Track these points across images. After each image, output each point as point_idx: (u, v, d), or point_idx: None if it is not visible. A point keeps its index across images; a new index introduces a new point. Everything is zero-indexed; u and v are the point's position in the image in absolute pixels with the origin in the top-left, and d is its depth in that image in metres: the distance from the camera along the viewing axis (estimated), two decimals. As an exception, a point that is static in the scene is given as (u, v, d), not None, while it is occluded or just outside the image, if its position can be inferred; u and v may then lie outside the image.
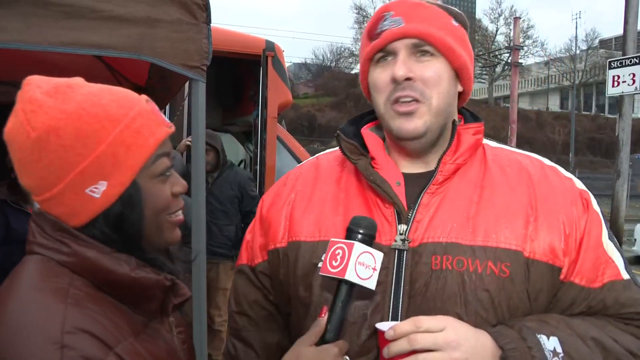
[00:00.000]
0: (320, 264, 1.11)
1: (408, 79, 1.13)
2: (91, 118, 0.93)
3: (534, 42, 45.47)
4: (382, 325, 1.02)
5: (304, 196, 1.25)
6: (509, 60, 26.01)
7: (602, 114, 49.78)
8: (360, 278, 1.01)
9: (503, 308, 1.08)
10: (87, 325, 0.86)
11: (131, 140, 0.95)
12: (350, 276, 1.00)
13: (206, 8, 2.00)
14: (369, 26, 1.20)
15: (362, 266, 1.01)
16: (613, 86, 8.39)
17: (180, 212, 1.06)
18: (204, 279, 2.20)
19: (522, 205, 1.13)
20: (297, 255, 1.20)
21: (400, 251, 1.11)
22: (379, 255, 1.04)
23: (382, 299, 1.10)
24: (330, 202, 1.21)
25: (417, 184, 1.17)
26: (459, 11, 1.22)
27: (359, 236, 1.04)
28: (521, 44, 26.47)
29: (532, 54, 46.42)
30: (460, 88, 1.19)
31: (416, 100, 1.14)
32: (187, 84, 3.54)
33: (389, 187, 1.15)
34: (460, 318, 1.05)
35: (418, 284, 1.09)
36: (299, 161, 5.83)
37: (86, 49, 1.89)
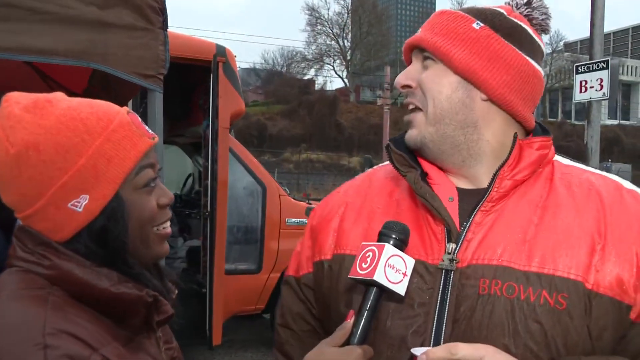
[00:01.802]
0: (349, 275, 1.12)
1: (408, 85, 1.20)
2: (70, 132, 0.99)
3: (496, 45, 47.00)
4: (417, 350, 1.02)
5: (354, 207, 1.28)
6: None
7: (568, 121, 51.78)
8: (389, 281, 1.03)
9: (558, 343, 1.04)
10: (68, 328, 0.91)
11: (112, 153, 1.01)
12: (379, 277, 1.03)
13: (162, 12, 1.99)
14: None
15: (392, 269, 1.04)
16: (580, 92, 8.73)
17: (167, 224, 1.11)
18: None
19: (588, 231, 1.09)
20: (340, 268, 1.21)
21: (447, 272, 1.11)
22: (411, 261, 1.06)
23: (425, 322, 1.09)
24: (380, 215, 1.22)
25: (472, 201, 1.17)
26: (498, 9, 1.22)
27: (391, 240, 1.07)
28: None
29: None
30: (482, 96, 1.17)
31: (418, 109, 1.19)
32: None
33: (439, 202, 1.15)
34: (507, 350, 1.03)
35: (463, 308, 1.08)
36: (252, 175, 5.82)
37: (26, 55, 1.85)
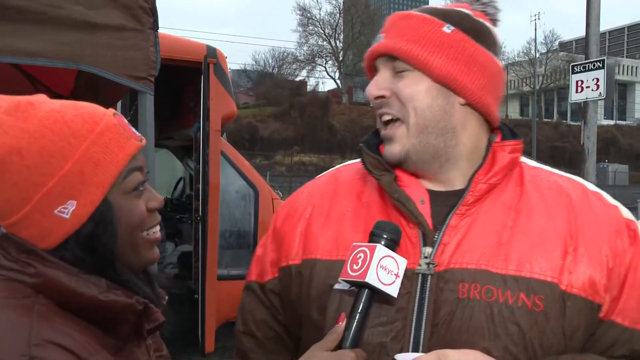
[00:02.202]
0: (336, 285, 1.13)
1: (382, 96, 1.18)
2: (55, 136, 0.97)
3: (490, 45, 47.18)
4: (403, 357, 1.03)
5: (322, 210, 1.27)
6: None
7: (564, 121, 52.13)
8: (381, 283, 1.04)
9: (535, 344, 1.08)
10: (55, 338, 0.89)
11: (99, 157, 0.99)
12: (371, 279, 1.03)
13: (152, 12, 1.98)
14: None
15: (384, 270, 1.04)
16: (577, 92, 8.78)
17: (157, 228, 1.10)
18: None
19: (561, 234, 1.13)
20: (311, 274, 1.21)
21: (425, 276, 1.12)
22: (403, 262, 1.06)
23: (403, 327, 1.11)
24: (350, 218, 1.23)
25: (445, 203, 1.18)
26: (464, 10, 1.23)
27: (383, 240, 1.07)
28: (478, 48, 27.33)
29: (490, 58, 48.12)
30: (461, 100, 1.18)
31: (397, 120, 1.18)
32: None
33: (414, 205, 1.16)
34: (488, 353, 1.05)
35: (442, 313, 1.10)
36: (244, 178, 5.82)
37: (11, 56, 1.83)
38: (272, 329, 1.32)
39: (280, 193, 6.62)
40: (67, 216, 0.97)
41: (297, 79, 47.38)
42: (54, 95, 3.82)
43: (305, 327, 1.23)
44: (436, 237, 1.15)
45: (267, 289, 1.30)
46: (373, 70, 1.24)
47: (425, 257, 1.13)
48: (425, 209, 1.18)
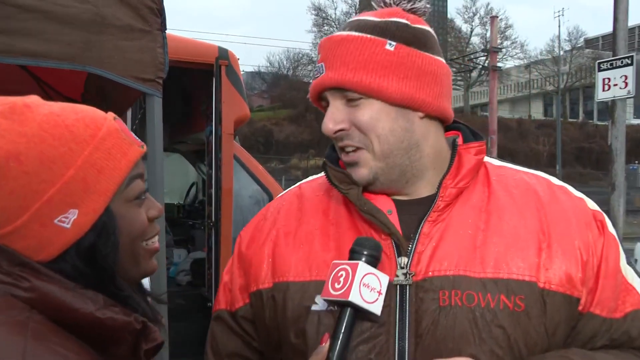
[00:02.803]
0: (313, 307, 1.14)
1: (341, 129, 1.18)
2: (56, 140, 0.94)
3: (512, 43, 46.99)
4: None
5: (289, 230, 1.27)
6: (486, 64, 26.74)
7: (590, 121, 51.58)
8: (365, 301, 1.05)
9: (520, 345, 1.11)
10: (50, 359, 0.87)
11: (102, 163, 0.97)
12: (354, 298, 1.04)
13: (160, 13, 1.98)
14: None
15: (367, 288, 1.06)
16: (603, 90, 8.67)
17: (156, 238, 1.09)
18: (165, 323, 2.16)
19: (533, 231, 1.16)
20: (285, 297, 1.20)
21: (402, 287, 1.13)
22: (385, 278, 1.08)
23: (387, 341, 1.12)
24: (320, 237, 1.23)
25: (414, 212, 1.20)
26: (401, 21, 1.20)
27: (363, 257, 1.08)
28: (499, 46, 27.28)
29: (512, 57, 47.90)
30: (420, 114, 1.19)
31: (359, 148, 1.18)
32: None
33: (384, 216, 1.17)
34: (476, 358, 1.08)
35: (425, 322, 1.11)
36: (258, 182, 5.82)
37: (16, 57, 1.82)
38: (246, 358, 1.31)
39: (295, 198, 6.60)
40: (68, 226, 0.95)
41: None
42: (66, 99, 3.85)
43: (285, 351, 1.23)
44: (410, 246, 1.16)
45: (238, 317, 1.30)
46: (320, 101, 1.24)
47: (402, 268, 1.15)
48: (394, 219, 1.19)
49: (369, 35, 1.17)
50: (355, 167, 1.20)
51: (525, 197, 1.21)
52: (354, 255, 1.09)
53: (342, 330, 1.05)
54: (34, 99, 1.00)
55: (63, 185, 0.94)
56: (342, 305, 1.06)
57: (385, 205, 1.21)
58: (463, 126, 1.30)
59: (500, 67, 27.74)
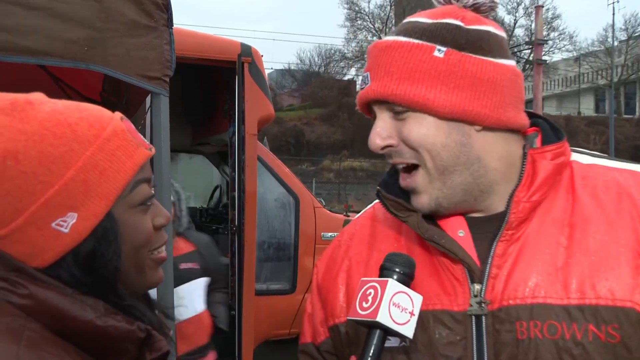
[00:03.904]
0: (386, 343, 1.07)
1: (389, 146, 1.13)
2: (57, 139, 0.93)
3: (560, 34, 46.07)
4: None
5: (361, 259, 1.25)
6: (531, 58, 26.35)
7: (647, 117, 50.25)
8: (394, 322, 1.01)
9: None
10: None
11: (105, 165, 0.96)
12: (382, 318, 1.00)
13: (167, 9, 1.99)
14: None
15: (398, 308, 1.01)
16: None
17: (163, 248, 1.07)
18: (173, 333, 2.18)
19: (627, 245, 1.06)
20: (357, 333, 1.17)
21: (478, 317, 1.08)
22: (418, 298, 1.03)
23: None
24: None
25: (487, 231, 1.13)
26: (453, 22, 1.12)
27: (395, 275, 1.04)
28: (545, 38, 26.86)
29: (559, 49, 47.00)
30: (477, 127, 1.11)
31: (414, 166, 1.13)
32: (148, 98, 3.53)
33: (451, 241, 1.12)
34: None
35: (503, 357, 1.05)
36: (284, 185, 5.84)
37: (18, 55, 1.83)
38: None
39: (323, 201, 6.62)
40: (67, 230, 0.94)
41: (346, 78, 47.41)
42: (85, 99, 3.92)
43: None
44: (483, 270, 1.09)
45: (322, 351, 1.29)
46: (369, 111, 1.18)
47: (476, 296, 1.09)
48: (466, 242, 1.13)
49: (416, 41, 1.10)
50: (414, 194, 1.15)
51: (616, 204, 1.10)
52: (384, 272, 1.06)
53: (370, 354, 1.01)
54: (38, 96, 0.99)
55: (62, 187, 0.93)
56: (370, 326, 1.02)
57: (456, 226, 1.15)
58: (543, 122, 1.20)
59: (545, 60, 27.29)
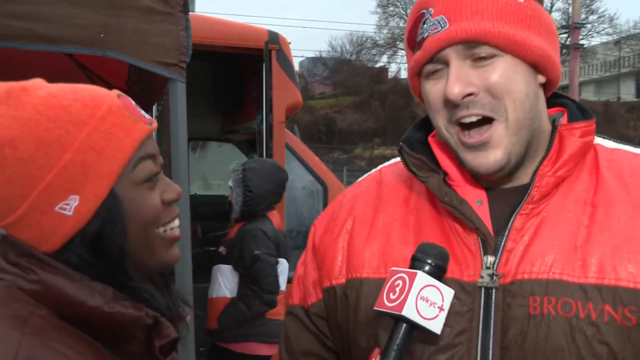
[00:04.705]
0: (374, 306, 1.07)
1: (469, 94, 1.06)
2: (51, 123, 0.94)
3: (599, 17, 45.08)
4: None
5: (365, 221, 1.21)
6: (568, 42, 25.83)
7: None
8: (421, 317, 0.98)
9: None
10: (44, 357, 0.86)
11: (102, 144, 0.96)
12: (409, 312, 0.98)
13: (182, -6, 1.99)
14: (407, 30, 1.14)
15: (426, 302, 0.98)
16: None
17: (175, 223, 1.06)
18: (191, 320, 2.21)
19: None
20: (358, 296, 1.16)
21: (488, 289, 1.06)
22: (449, 293, 1.00)
23: (467, 351, 1.05)
24: (398, 228, 1.17)
25: (507, 203, 1.11)
26: None
27: (426, 266, 1.01)
28: (582, 22, 26.29)
29: (598, 33, 46.03)
30: (542, 79, 1.11)
31: (487, 119, 1.07)
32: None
33: (469, 208, 1.09)
34: None
35: (512, 333, 1.03)
36: (312, 173, 5.84)
37: (35, 43, 1.85)
38: (321, 357, 1.27)
39: (352, 189, 6.59)
40: (70, 213, 0.94)
41: (377, 65, 47.14)
42: (112, 87, 3.97)
43: (354, 356, 1.18)
44: (498, 243, 1.07)
45: (311, 314, 1.26)
46: (426, 65, 1.10)
47: (487, 268, 1.06)
48: (483, 212, 1.10)
49: None
50: (484, 149, 1.07)
51: None
52: (415, 263, 1.02)
53: (395, 348, 0.98)
54: (35, 82, 1.00)
55: (61, 170, 0.93)
56: (397, 319, 1.00)
57: (474, 194, 1.12)
58: (569, 102, 1.19)
59: (583, 45, 26.73)
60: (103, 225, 0.96)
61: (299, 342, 1.28)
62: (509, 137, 1.07)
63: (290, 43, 5.51)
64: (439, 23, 1.07)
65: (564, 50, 37.26)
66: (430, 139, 1.20)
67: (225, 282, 3.91)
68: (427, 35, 1.08)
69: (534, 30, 1.07)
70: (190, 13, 2.03)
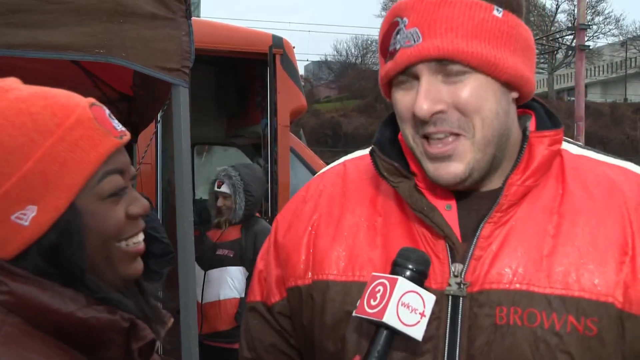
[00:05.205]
0: (355, 312, 1.04)
1: (438, 112, 1.04)
2: (16, 130, 0.91)
3: (605, 18, 44.94)
4: None
5: (331, 219, 1.19)
6: (573, 44, 25.71)
7: (697, 103, 48.65)
8: (402, 323, 0.97)
9: None
10: None
11: (67, 155, 0.93)
12: (389, 319, 0.97)
13: (184, 0, 2.01)
14: (380, 35, 1.11)
15: (407, 309, 0.98)
16: None
17: (139, 238, 1.03)
18: (195, 325, 2.23)
19: (614, 241, 1.05)
20: (324, 298, 1.14)
21: (455, 297, 1.06)
22: (430, 299, 1.00)
23: (434, 359, 1.05)
24: (365, 230, 1.16)
25: (474, 208, 1.11)
26: None
27: (407, 272, 1.00)
28: (588, 23, 26.20)
29: (604, 34, 45.88)
30: (515, 95, 1.09)
31: (455, 134, 1.06)
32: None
33: (439, 215, 1.08)
34: None
35: (479, 342, 1.04)
36: (317, 176, 5.84)
37: (39, 51, 1.87)
38: (284, 353, 1.27)
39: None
40: (27, 223, 0.91)
41: (383, 68, 47.08)
42: (119, 93, 3.99)
43: (318, 358, 1.17)
44: (467, 251, 1.07)
45: (275, 312, 1.24)
46: (399, 76, 1.08)
47: (455, 276, 1.07)
48: (451, 217, 1.10)
49: None
50: (446, 161, 1.06)
51: (608, 199, 1.08)
52: (396, 268, 1.01)
53: (376, 355, 0.97)
54: (7, 83, 0.97)
55: (20, 179, 0.90)
56: (377, 325, 0.99)
57: (443, 199, 1.11)
58: (538, 105, 1.17)
59: (588, 46, 26.61)
60: (60, 238, 0.93)
61: (262, 338, 1.27)
62: (474, 153, 1.06)
63: (294, 47, 5.53)
64: (412, 36, 1.04)
65: (570, 52, 37.16)
66: (400, 137, 1.18)
67: (234, 283, 4.02)
68: (400, 48, 1.06)
69: (509, 48, 1.05)
70: (195, 18, 2.04)
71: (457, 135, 1.05)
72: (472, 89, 1.04)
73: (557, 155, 1.14)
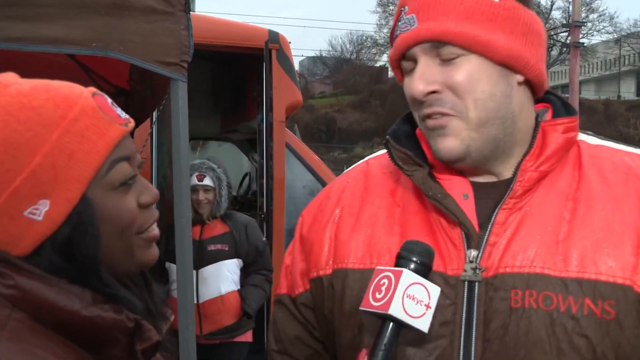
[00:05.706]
0: (360, 306, 1.06)
1: (433, 92, 1.08)
2: (20, 125, 0.90)
3: (600, 16, 45.02)
4: None
5: (352, 212, 1.23)
6: (568, 41, 25.80)
7: (689, 101, 48.85)
8: (408, 315, 0.98)
9: (609, 359, 1.01)
10: None
11: (74, 147, 0.92)
12: (395, 311, 0.97)
13: (183, -7, 2.00)
14: (392, 26, 1.17)
15: (412, 300, 0.98)
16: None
17: (154, 225, 1.03)
18: (193, 324, 2.22)
19: (631, 225, 1.06)
20: (343, 286, 1.17)
21: (471, 283, 1.07)
22: (435, 291, 1.01)
23: (450, 344, 1.06)
24: (384, 220, 1.19)
25: (491, 197, 1.12)
26: None
27: (411, 264, 1.01)
28: (583, 20, 26.27)
29: (598, 31, 45.95)
30: (519, 78, 1.12)
31: (449, 116, 1.09)
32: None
33: (453, 202, 1.11)
34: None
35: (494, 326, 1.05)
36: (312, 172, 5.85)
37: (37, 45, 1.86)
38: (308, 346, 1.28)
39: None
40: (40, 218, 0.90)
41: (378, 64, 47.08)
42: (115, 87, 3.98)
43: (340, 347, 1.19)
44: (481, 237, 1.09)
45: (299, 303, 1.27)
46: (400, 65, 1.15)
47: (471, 262, 1.08)
48: (468, 206, 1.12)
49: None
50: (442, 133, 1.10)
51: (624, 184, 1.10)
52: (400, 261, 1.02)
53: (382, 348, 0.98)
54: (6, 77, 0.96)
55: (30, 175, 0.90)
56: (383, 318, 1.00)
57: (460, 188, 1.14)
58: (554, 98, 1.21)
59: (583, 43, 26.70)
60: (74, 231, 0.92)
61: (287, 330, 1.29)
62: (468, 132, 1.09)
63: (290, 42, 5.52)
64: (409, 22, 1.10)
65: (564, 49, 37.23)
66: (418, 131, 1.21)
67: (232, 276, 4.02)
68: (399, 33, 1.12)
69: (505, 30, 1.08)
70: (190, 12, 2.04)
71: (450, 116, 1.09)
72: (465, 71, 1.08)
73: (574, 145, 1.16)
